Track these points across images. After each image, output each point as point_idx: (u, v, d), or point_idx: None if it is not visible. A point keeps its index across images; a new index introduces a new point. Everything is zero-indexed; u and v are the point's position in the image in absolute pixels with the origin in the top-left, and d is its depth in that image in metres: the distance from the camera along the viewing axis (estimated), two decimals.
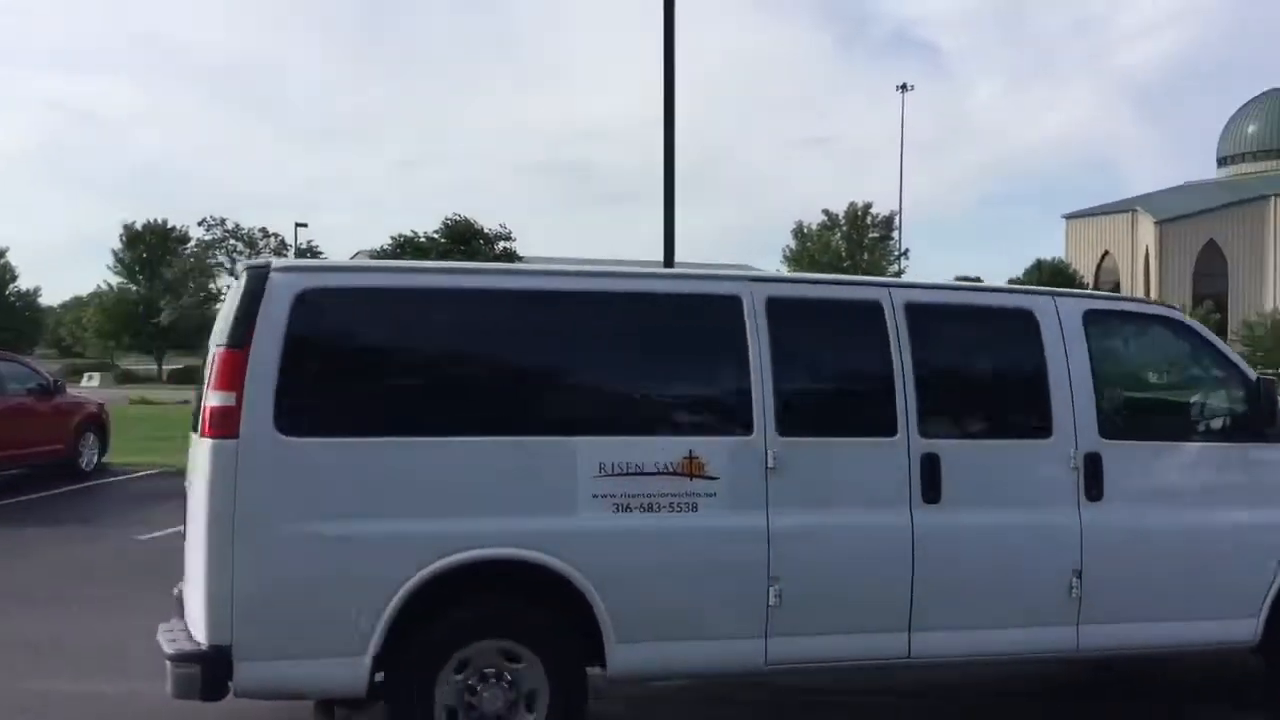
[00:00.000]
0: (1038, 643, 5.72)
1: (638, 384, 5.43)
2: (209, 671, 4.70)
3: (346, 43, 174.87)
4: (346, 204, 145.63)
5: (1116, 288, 75.51)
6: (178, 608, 5.42)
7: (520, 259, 46.31)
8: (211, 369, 4.88)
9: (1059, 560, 5.68)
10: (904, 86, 72.79)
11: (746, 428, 5.29)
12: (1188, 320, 6.58)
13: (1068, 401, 5.79)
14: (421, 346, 5.25)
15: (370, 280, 5.35)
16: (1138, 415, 6.43)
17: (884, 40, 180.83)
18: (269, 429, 4.78)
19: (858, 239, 63.59)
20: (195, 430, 5.18)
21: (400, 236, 52.44)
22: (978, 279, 62.81)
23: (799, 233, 64.48)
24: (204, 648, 4.74)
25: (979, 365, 6.04)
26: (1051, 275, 64.06)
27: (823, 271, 61.26)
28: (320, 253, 65.72)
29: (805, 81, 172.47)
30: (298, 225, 61.72)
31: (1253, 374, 6.30)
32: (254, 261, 5.18)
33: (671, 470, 5.15)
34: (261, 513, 4.76)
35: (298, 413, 4.84)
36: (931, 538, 5.45)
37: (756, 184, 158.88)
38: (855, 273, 62.05)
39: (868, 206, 63.93)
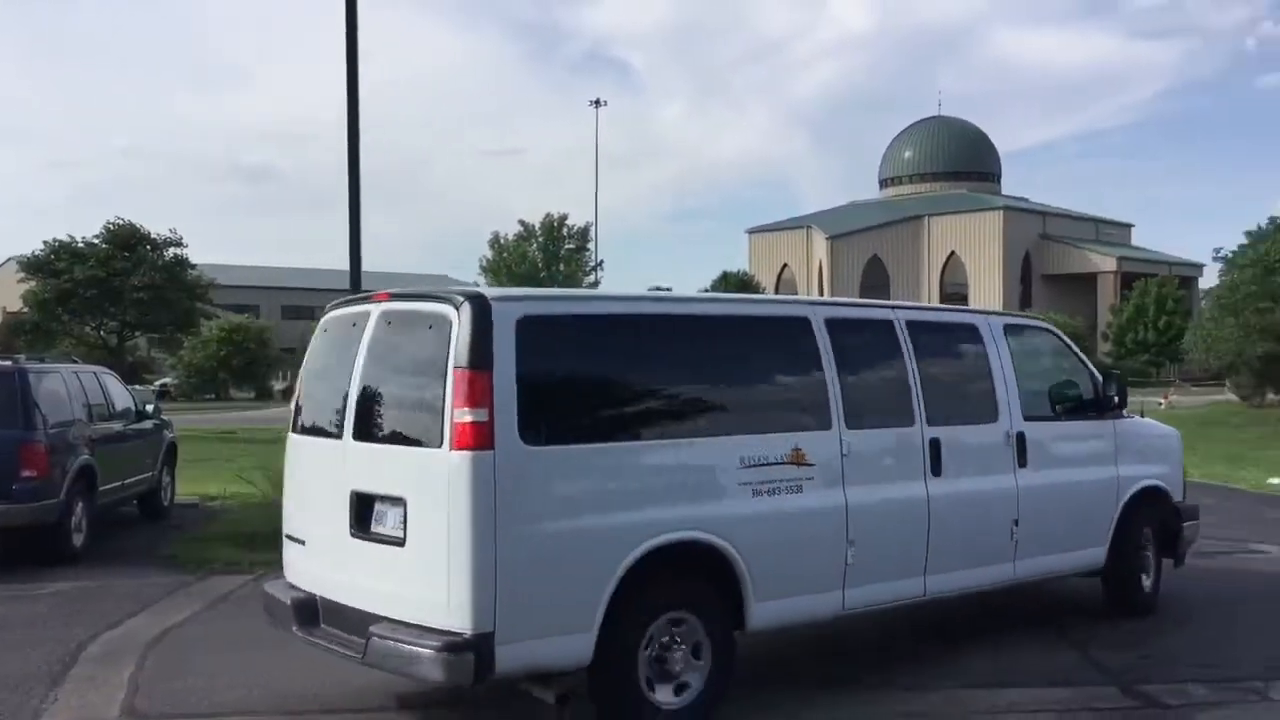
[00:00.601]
0: (993, 577, 7.54)
1: (761, 390, 6.60)
2: (480, 657, 5.21)
3: None
4: None
5: None
6: (298, 614, 6.16)
7: (193, 266, 43.37)
8: (452, 389, 5.36)
9: (1006, 513, 7.47)
10: (597, 102, 74.46)
11: (827, 423, 6.54)
12: (1059, 332, 8.79)
13: (1005, 392, 7.60)
14: (616, 363, 6.04)
15: (571, 308, 6.19)
16: (1039, 401, 8.00)
17: (578, 56, 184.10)
18: (516, 440, 5.38)
19: (554, 250, 63.96)
20: (314, 434, 6.41)
21: (55, 242, 47.89)
22: (669, 289, 64.77)
23: (495, 243, 64.13)
24: (469, 635, 5.23)
25: (953, 366, 7.63)
26: (737, 285, 66.94)
27: (519, 282, 61.39)
28: None
29: (501, 94, 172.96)
30: None
31: (1098, 372, 8.47)
32: (463, 290, 5.75)
33: (786, 460, 6.33)
34: (515, 514, 5.34)
35: (533, 425, 5.45)
36: (939, 502, 7.00)
37: (452, 194, 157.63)
38: (551, 283, 62.52)
39: (563, 218, 64.56)
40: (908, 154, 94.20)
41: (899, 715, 6.28)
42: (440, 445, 5.37)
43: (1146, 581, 8.57)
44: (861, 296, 78.88)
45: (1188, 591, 9.42)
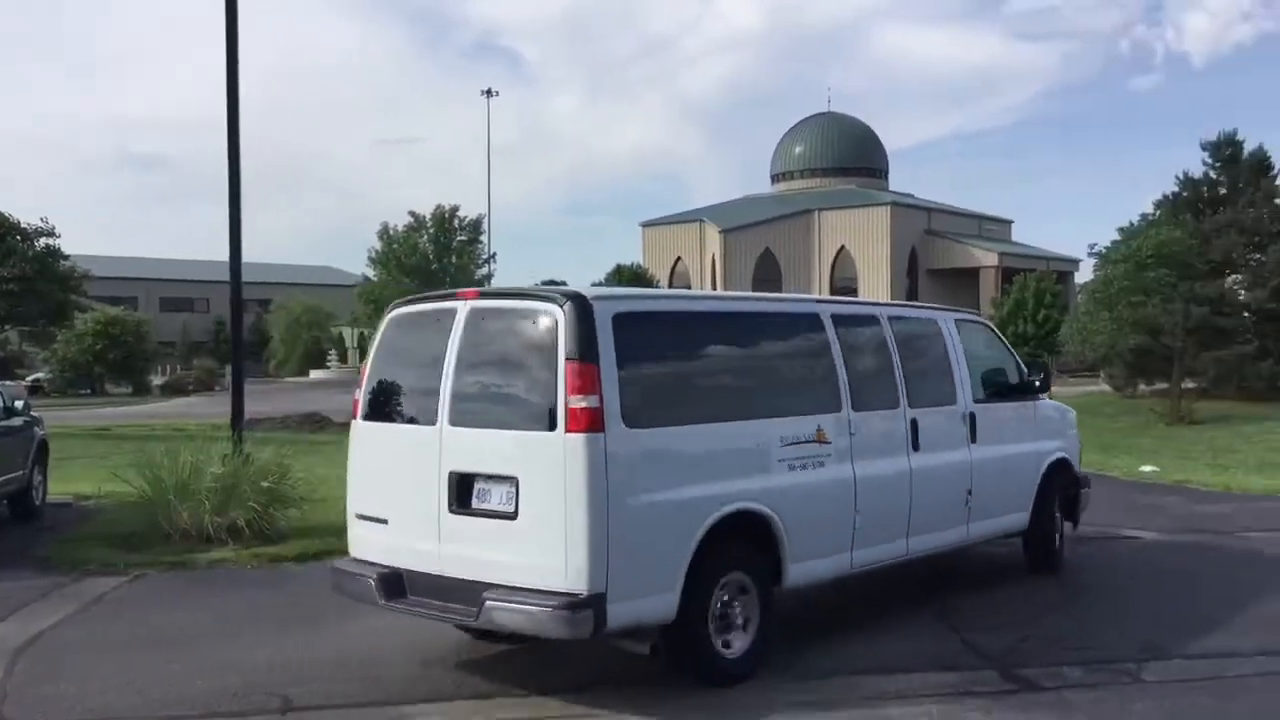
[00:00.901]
0: (954, 538, 8.66)
1: (793, 376, 7.55)
2: (597, 614, 5.88)
3: None
4: None
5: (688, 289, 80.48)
6: (384, 587, 6.65)
7: (65, 257, 41.73)
8: (564, 379, 6.00)
9: (962, 483, 8.55)
10: (489, 92, 73.60)
11: (838, 407, 7.46)
12: (992, 325, 10.26)
13: (960, 378, 8.77)
14: (690, 352, 6.89)
15: (653, 305, 6.96)
16: (981, 385, 9.11)
17: (468, 46, 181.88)
18: (619, 423, 6.07)
19: (445, 242, 63.22)
20: (382, 420, 7.03)
21: None
22: (563, 283, 64.61)
23: (385, 235, 63.10)
24: (585, 595, 5.89)
25: (922, 354, 8.59)
26: (631, 278, 67.02)
27: (410, 274, 60.58)
28: None
29: (390, 83, 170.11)
30: None
31: (1022, 362, 9.85)
32: (561, 289, 6.38)
33: (812, 439, 7.20)
34: (621, 489, 6.02)
35: (630, 409, 6.13)
36: (918, 475, 8.02)
37: (342, 185, 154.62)
38: (443, 275, 61.82)
39: (455, 209, 63.81)
40: (798, 149, 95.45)
41: (793, 705, 6.34)
42: (554, 429, 6.03)
43: (1057, 541, 9.86)
44: (754, 290, 79.86)
45: (1065, 575, 9.73)
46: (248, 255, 13.74)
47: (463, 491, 6.44)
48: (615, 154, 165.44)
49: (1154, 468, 17.79)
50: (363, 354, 69.84)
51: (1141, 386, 34.88)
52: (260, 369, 72.78)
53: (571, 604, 5.90)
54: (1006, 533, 9.41)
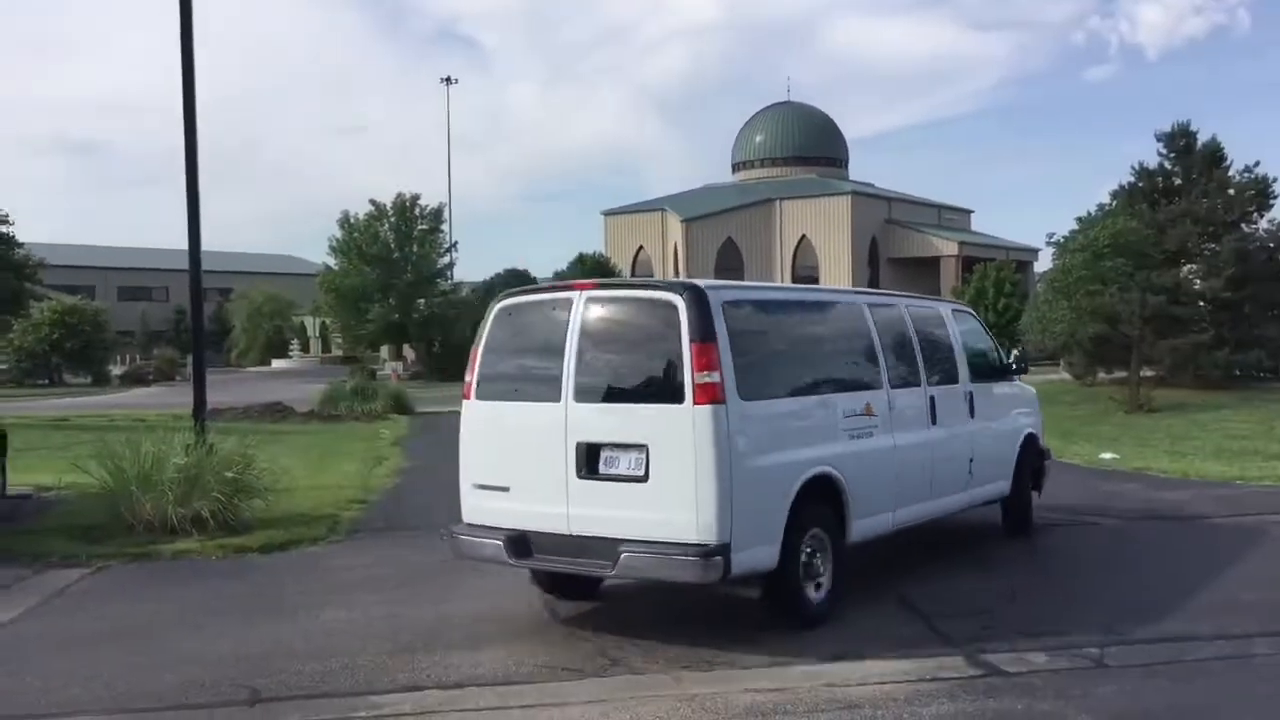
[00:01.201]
0: (961, 501, 9.86)
1: (850, 359, 8.61)
2: (725, 561, 6.77)
3: None
4: None
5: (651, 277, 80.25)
6: (513, 548, 7.39)
7: (20, 245, 41.07)
8: (691, 357, 6.94)
9: (967, 453, 9.76)
10: (448, 80, 73.19)
11: (879, 384, 8.59)
12: (976, 314, 11.48)
13: (961, 360, 9.98)
14: (780, 335, 7.92)
15: (751, 294, 8.23)
16: (975, 367, 10.21)
17: (426, 33, 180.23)
18: (736, 396, 7.01)
19: (407, 230, 62.72)
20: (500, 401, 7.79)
21: None
22: (525, 272, 64.41)
23: (345, 223, 62.51)
24: (714, 545, 6.79)
25: (933, 340, 9.69)
26: (594, 267, 66.84)
27: (372, 262, 60.17)
28: None
29: (348, 70, 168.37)
30: None
31: (999, 346, 11.30)
32: (677, 281, 7.49)
33: (864, 412, 8.31)
34: (739, 453, 6.96)
35: (741, 384, 7.07)
36: (937, 445, 9.22)
37: (301, 172, 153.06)
38: (404, 264, 61.40)
39: (416, 198, 63.21)
40: (759, 139, 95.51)
41: (759, 691, 6.36)
42: (683, 401, 6.92)
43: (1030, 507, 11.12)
44: (717, 278, 79.91)
45: (1026, 561, 9.85)
46: (207, 243, 13.59)
47: (591, 459, 7.24)
48: (576, 142, 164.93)
49: (1114, 455, 17.99)
50: (325, 343, 68.80)
51: (1101, 374, 35.27)
52: (221, 359, 72.02)
53: (704, 552, 6.76)
54: (994, 498, 10.49)
